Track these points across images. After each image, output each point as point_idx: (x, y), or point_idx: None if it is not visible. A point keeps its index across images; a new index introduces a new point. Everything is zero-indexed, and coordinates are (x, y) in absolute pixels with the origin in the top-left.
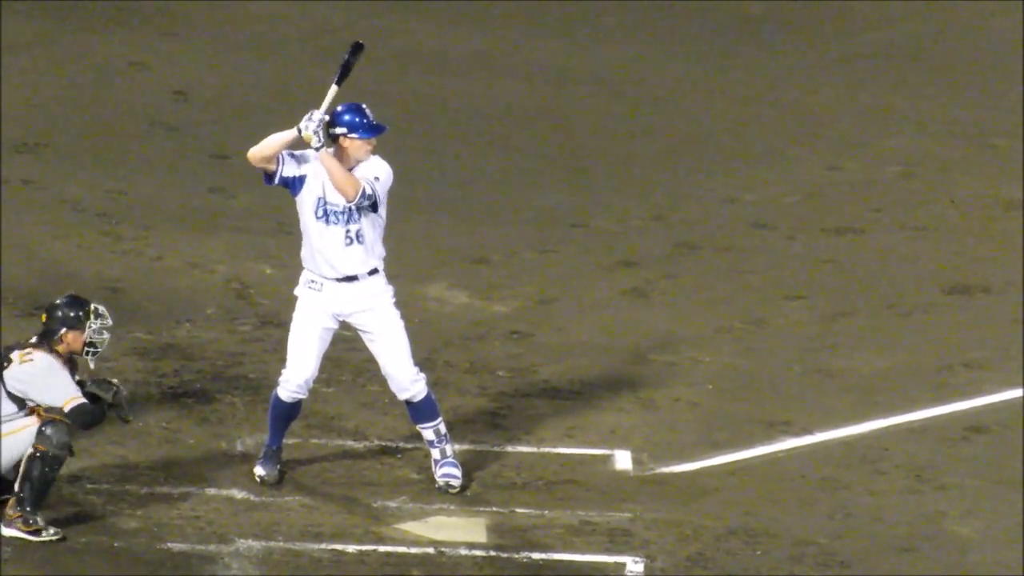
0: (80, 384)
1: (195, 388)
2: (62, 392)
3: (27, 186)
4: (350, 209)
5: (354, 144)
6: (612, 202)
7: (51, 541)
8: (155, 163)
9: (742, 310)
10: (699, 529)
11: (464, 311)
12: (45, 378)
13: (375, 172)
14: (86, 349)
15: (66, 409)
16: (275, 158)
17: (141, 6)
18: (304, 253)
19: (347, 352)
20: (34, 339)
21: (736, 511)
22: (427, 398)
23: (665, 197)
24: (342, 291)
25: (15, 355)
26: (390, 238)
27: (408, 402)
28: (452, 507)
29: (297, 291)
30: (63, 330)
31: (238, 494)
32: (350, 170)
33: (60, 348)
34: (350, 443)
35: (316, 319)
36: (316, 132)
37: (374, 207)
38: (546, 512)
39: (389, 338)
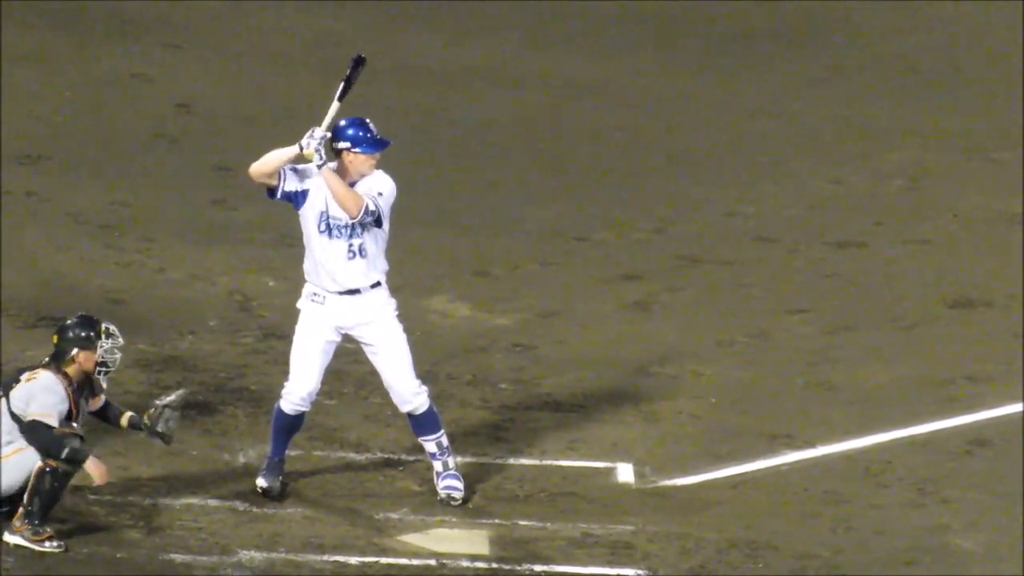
0: (147, 427)
1: (197, 400)
2: (44, 407)
3: (29, 198)
4: (353, 223)
5: (358, 159)
6: (614, 215)
7: (54, 552)
8: (158, 175)
9: (744, 323)
10: (701, 542)
11: (466, 324)
12: (40, 392)
13: (378, 187)
14: (98, 369)
15: (28, 418)
16: (276, 173)
17: (144, 18)
18: (307, 266)
19: (349, 365)
20: (45, 360)
21: (738, 524)
22: (429, 411)
23: (667, 210)
24: (344, 304)
25: (23, 376)
26: (393, 251)
27: (410, 415)
28: (454, 519)
29: (300, 304)
30: (74, 351)
31: (240, 505)
32: (353, 184)
33: (71, 369)
34: (352, 455)
35: (319, 332)
36: (317, 150)
37: (377, 222)
38: (548, 524)
39: (391, 351)
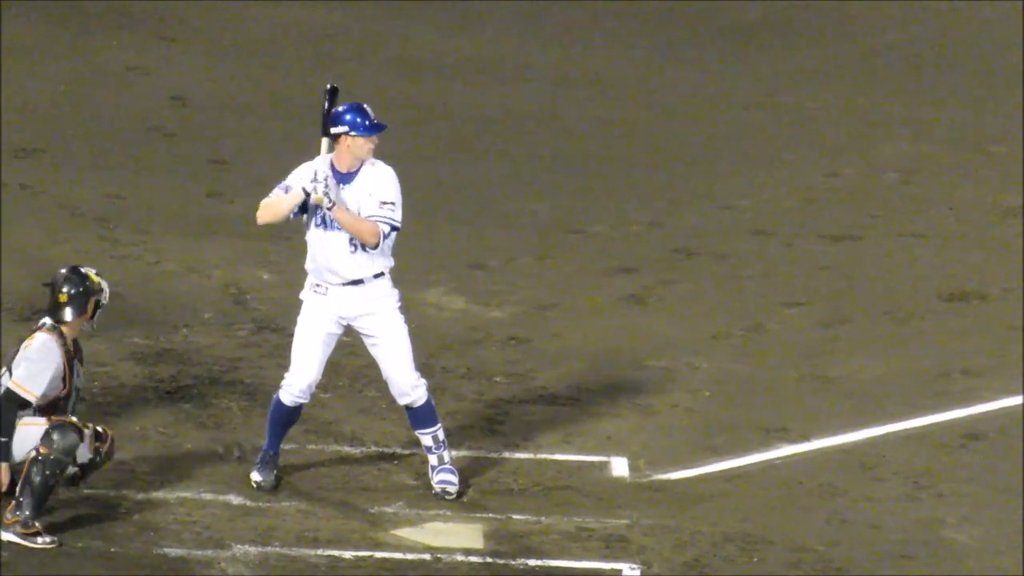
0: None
1: (192, 393)
2: (28, 376)
3: (25, 191)
4: None
5: (356, 142)
6: (610, 208)
7: (46, 548)
8: (153, 168)
9: (739, 316)
10: (696, 535)
11: (462, 316)
12: (33, 353)
13: (387, 195)
14: (96, 312)
15: (8, 383)
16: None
17: (139, 11)
18: (308, 263)
19: (345, 357)
20: (42, 321)
21: (733, 517)
22: (427, 404)
23: (663, 203)
24: (347, 294)
25: (24, 344)
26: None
27: (408, 407)
28: (449, 513)
29: (302, 295)
30: (70, 313)
31: (235, 499)
32: (354, 173)
33: (67, 328)
34: (347, 449)
35: (320, 323)
36: (326, 193)
37: (395, 229)
38: (543, 518)
39: (392, 343)
